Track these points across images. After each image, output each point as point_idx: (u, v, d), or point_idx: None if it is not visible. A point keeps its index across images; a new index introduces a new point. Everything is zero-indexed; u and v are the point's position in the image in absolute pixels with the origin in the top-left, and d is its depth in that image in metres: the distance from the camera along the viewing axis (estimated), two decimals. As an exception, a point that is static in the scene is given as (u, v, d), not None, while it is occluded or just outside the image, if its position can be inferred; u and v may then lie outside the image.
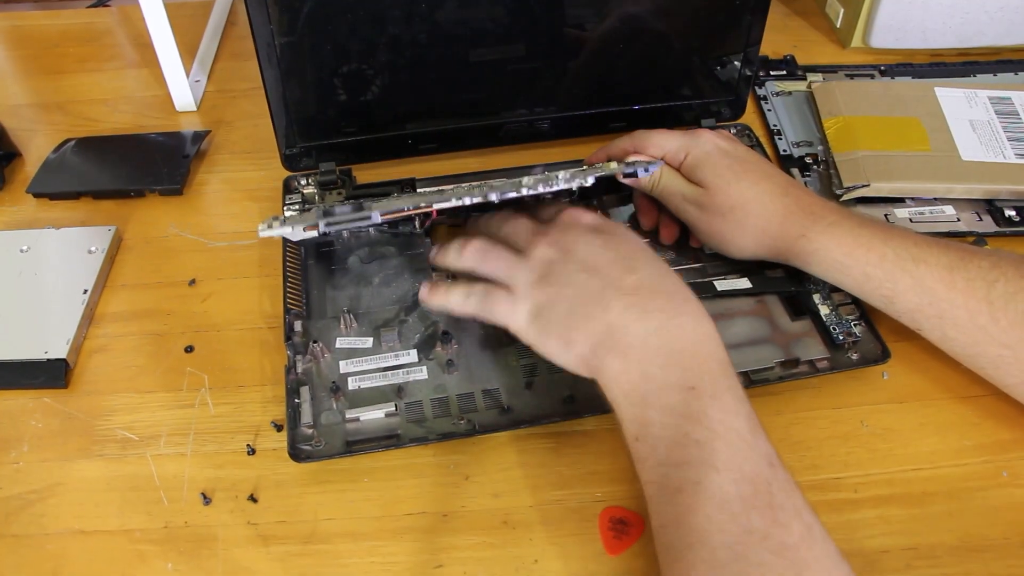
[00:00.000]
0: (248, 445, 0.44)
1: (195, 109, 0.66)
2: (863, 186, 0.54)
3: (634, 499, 0.42)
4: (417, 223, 0.51)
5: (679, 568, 0.34)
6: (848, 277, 0.45)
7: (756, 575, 0.32)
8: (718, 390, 0.37)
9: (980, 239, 0.53)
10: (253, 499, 0.42)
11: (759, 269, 0.50)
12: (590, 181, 0.45)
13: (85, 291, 0.51)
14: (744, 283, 0.48)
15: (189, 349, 0.49)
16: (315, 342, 0.46)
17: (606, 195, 0.55)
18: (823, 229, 0.45)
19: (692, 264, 0.51)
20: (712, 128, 0.58)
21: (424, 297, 0.45)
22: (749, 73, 0.58)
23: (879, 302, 0.45)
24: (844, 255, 0.45)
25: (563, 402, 0.44)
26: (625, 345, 0.38)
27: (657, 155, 0.50)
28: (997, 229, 0.53)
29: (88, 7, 0.82)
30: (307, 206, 0.55)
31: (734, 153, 0.48)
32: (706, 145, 0.49)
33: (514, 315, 0.42)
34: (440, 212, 0.45)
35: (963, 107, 0.59)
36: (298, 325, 0.48)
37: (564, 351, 0.40)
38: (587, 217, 0.44)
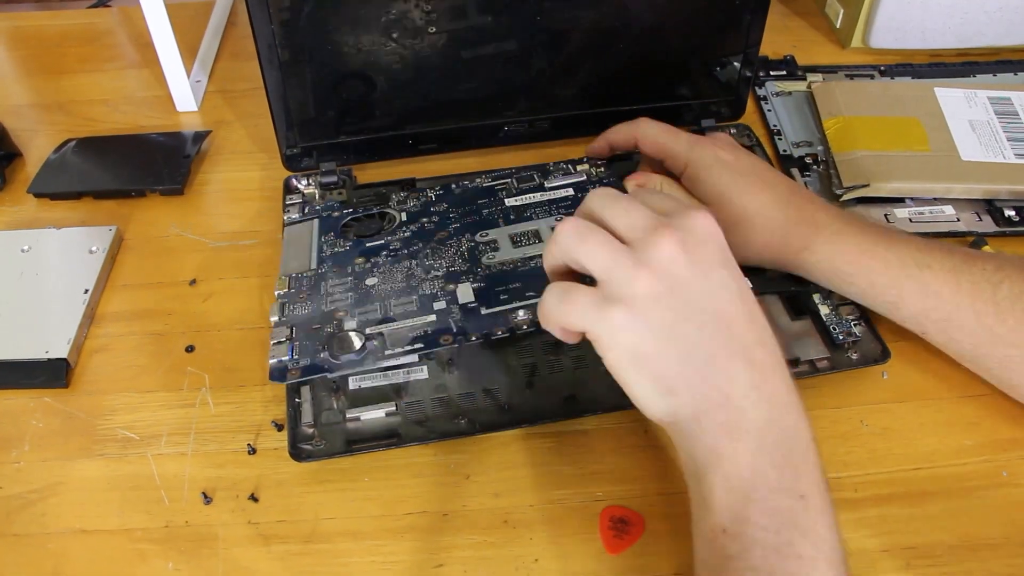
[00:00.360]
0: (249, 444, 0.44)
1: (196, 109, 0.66)
2: (863, 186, 0.54)
3: (635, 499, 0.42)
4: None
5: None
6: (853, 286, 0.45)
7: None
8: (826, 504, 0.33)
9: (980, 239, 0.53)
10: (254, 498, 0.43)
11: (759, 269, 0.50)
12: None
13: (86, 291, 0.51)
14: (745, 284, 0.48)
15: (190, 349, 0.49)
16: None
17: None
18: (826, 239, 0.45)
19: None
20: (713, 128, 0.58)
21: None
22: (749, 73, 0.58)
23: (884, 308, 0.45)
24: (848, 264, 0.44)
25: (564, 401, 0.44)
26: (740, 429, 0.33)
27: (655, 155, 0.49)
28: (997, 229, 0.53)
29: (89, 7, 0.82)
30: (306, 208, 0.55)
31: (735, 165, 0.47)
32: (706, 158, 0.47)
33: (598, 326, 0.34)
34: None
35: (963, 107, 0.59)
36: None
37: (658, 398, 0.34)
38: (721, 235, 0.35)
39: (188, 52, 0.67)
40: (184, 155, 0.60)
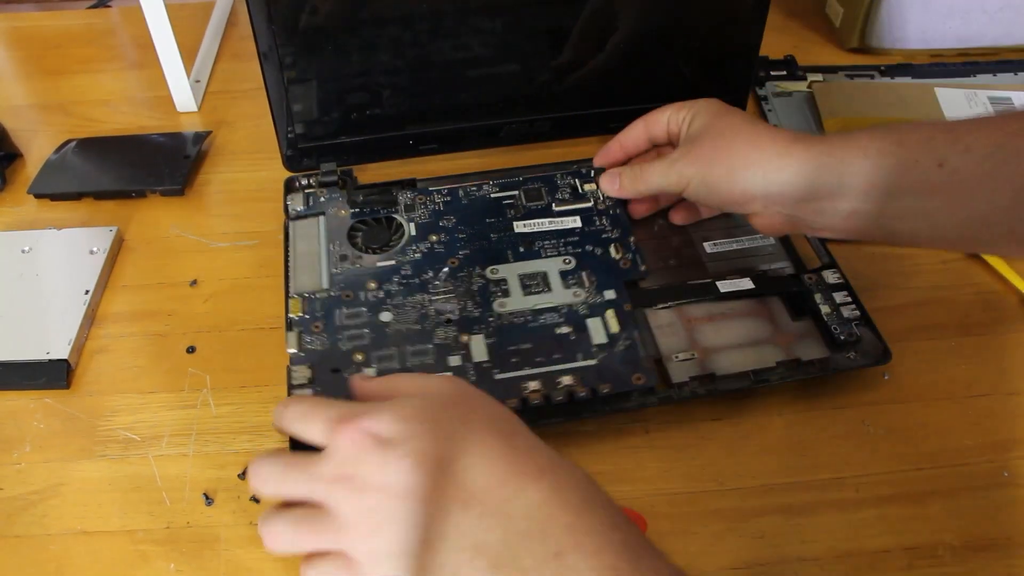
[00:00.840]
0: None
1: (196, 110, 0.66)
2: (863, 186, 0.54)
3: (635, 499, 0.42)
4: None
5: None
6: (858, 173, 0.41)
7: None
8: (583, 543, 0.31)
9: (980, 239, 0.53)
10: (255, 500, 0.42)
11: (760, 270, 0.50)
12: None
13: (87, 292, 0.51)
14: (747, 283, 0.48)
15: (191, 350, 0.49)
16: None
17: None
18: (805, 145, 0.43)
19: (694, 266, 0.51)
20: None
21: None
22: (749, 73, 0.58)
23: (925, 167, 0.40)
24: (839, 154, 0.42)
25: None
26: (496, 557, 0.31)
27: (661, 129, 0.50)
28: (997, 229, 0.53)
29: (89, 8, 0.82)
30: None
31: (715, 105, 0.48)
32: (682, 105, 0.49)
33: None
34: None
35: (963, 107, 0.59)
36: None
37: None
38: (362, 429, 0.33)
39: (188, 52, 0.67)
40: (184, 156, 0.60)
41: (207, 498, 0.43)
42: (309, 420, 0.35)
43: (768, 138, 0.44)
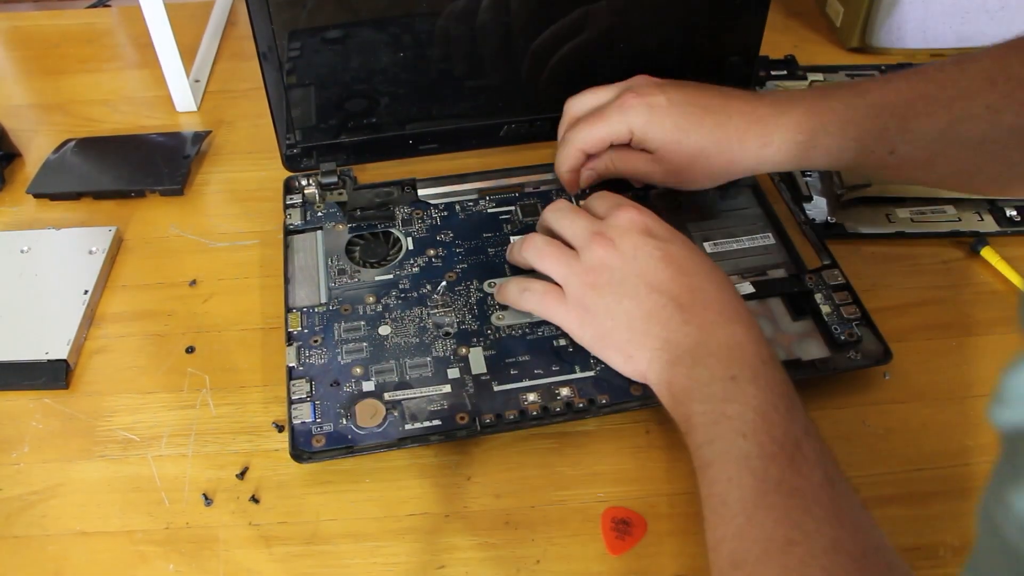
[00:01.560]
0: (238, 474, 0.44)
1: (195, 109, 0.66)
2: (865, 186, 0.54)
3: (636, 499, 0.42)
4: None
5: (711, 540, 0.35)
6: (830, 150, 0.46)
7: (763, 517, 0.33)
8: (757, 375, 0.38)
9: (981, 239, 0.53)
10: (255, 500, 0.42)
11: (760, 269, 0.50)
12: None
13: (86, 292, 0.51)
14: (747, 288, 0.48)
15: (190, 350, 0.49)
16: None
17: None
18: (777, 126, 0.46)
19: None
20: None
21: (496, 293, 0.48)
22: (749, 73, 0.58)
23: (879, 155, 0.46)
24: (810, 134, 0.46)
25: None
26: (677, 357, 0.40)
27: (601, 146, 0.50)
28: (998, 229, 0.53)
29: (88, 7, 0.82)
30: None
31: (668, 107, 0.48)
32: (639, 115, 0.48)
33: (567, 321, 0.44)
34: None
35: (964, 107, 0.59)
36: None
37: (624, 363, 0.42)
38: (643, 219, 0.44)
39: (188, 52, 0.66)
40: (184, 155, 0.60)
41: (206, 498, 0.42)
42: (596, 201, 0.46)
43: (737, 139, 0.47)
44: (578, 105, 0.52)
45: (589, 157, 0.51)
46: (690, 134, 0.47)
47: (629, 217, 0.44)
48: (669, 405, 0.40)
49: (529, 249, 0.46)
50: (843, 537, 0.33)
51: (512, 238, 0.52)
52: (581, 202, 0.48)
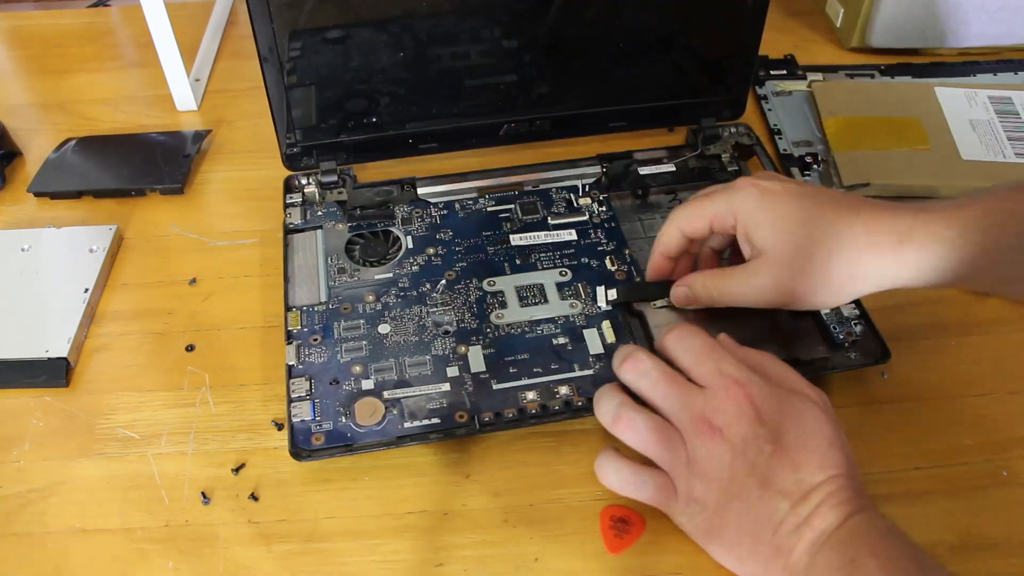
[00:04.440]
0: (233, 470, 0.45)
1: (196, 108, 0.66)
2: (864, 185, 0.54)
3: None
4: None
5: None
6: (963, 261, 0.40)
7: None
8: (878, 549, 0.34)
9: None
10: (254, 498, 0.42)
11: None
12: None
13: (86, 290, 0.51)
14: None
15: (190, 348, 0.49)
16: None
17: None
18: (920, 222, 0.40)
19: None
20: (712, 128, 0.58)
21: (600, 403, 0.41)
22: (749, 72, 0.58)
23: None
24: (960, 230, 0.39)
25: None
26: (791, 564, 0.35)
27: (702, 227, 0.44)
28: (997, 229, 0.53)
29: (88, 7, 0.82)
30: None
31: (782, 191, 0.42)
32: (748, 195, 0.42)
33: (665, 503, 0.39)
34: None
35: (963, 107, 0.59)
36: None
37: (735, 565, 0.38)
38: (749, 398, 0.37)
39: (188, 51, 0.67)
40: (184, 154, 0.60)
41: (205, 497, 0.43)
42: (699, 356, 0.39)
43: (865, 232, 0.40)
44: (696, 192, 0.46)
45: (691, 243, 0.46)
46: (804, 225, 0.40)
47: (736, 400, 0.37)
48: None
49: (632, 369, 0.40)
50: None
51: (512, 236, 0.52)
52: (670, 337, 0.41)
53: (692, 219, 0.44)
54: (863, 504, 0.35)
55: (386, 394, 0.44)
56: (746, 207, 0.42)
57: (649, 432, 0.39)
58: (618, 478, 0.40)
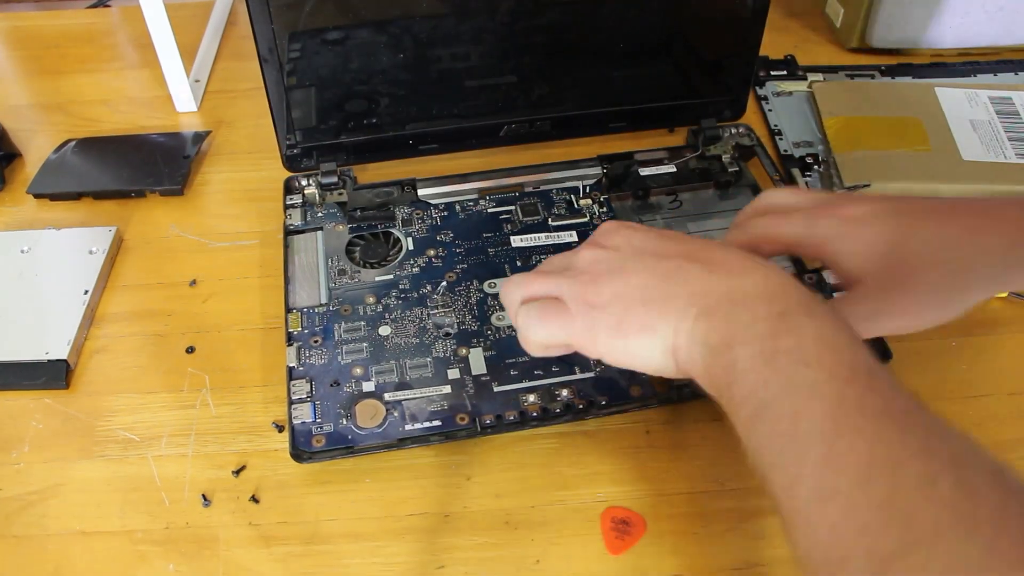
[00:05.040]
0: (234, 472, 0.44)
1: (196, 109, 0.66)
2: (864, 186, 0.54)
3: (636, 499, 0.42)
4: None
5: (780, 487, 0.30)
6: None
7: (851, 441, 0.28)
8: (810, 308, 0.32)
9: (981, 239, 0.52)
10: (255, 500, 0.42)
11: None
12: None
13: (86, 292, 0.51)
14: None
15: (190, 350, 0.49)
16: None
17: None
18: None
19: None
20: (713, 128, 0.58)
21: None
22: (749, 73, 0.58)
23: None
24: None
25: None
26: (709, 307, 0.33)
27: (776, 240, 0.41)
28: (998, 229, 0.53)
29: (88, 7, 0.82)
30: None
31: (869, 214, 0.38)
32: (830, 225, 0.39)
33: (574, 328, 0.36)
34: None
35: (963, 107, 0.59)
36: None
37: (649, 345, 0.35)
38: (622, 222, 0.39)
39: (188, 52, 0.66)
40: (184, 155, 0.60)
41: (205, 499, 0.42)
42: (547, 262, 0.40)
43: (968, 236, 0.37)
44: (773, 197, 0.42)
45: None
46: (898, 246, 0.37)
47: (607, 224, 0.39)
48: (706, 368, 0.33)
49: (506, 285, 0.39)
50: (964, 452, 0.27)
51: (512, 238, 0.52)
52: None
53: (766, 243, 0.41)
54: (785, 273, 0.34)
55: (387, 396, 0.44)
56: (828, 235, 0.39)
57: (524, 275, 0.39)
58: (520, 288, 0.39)
